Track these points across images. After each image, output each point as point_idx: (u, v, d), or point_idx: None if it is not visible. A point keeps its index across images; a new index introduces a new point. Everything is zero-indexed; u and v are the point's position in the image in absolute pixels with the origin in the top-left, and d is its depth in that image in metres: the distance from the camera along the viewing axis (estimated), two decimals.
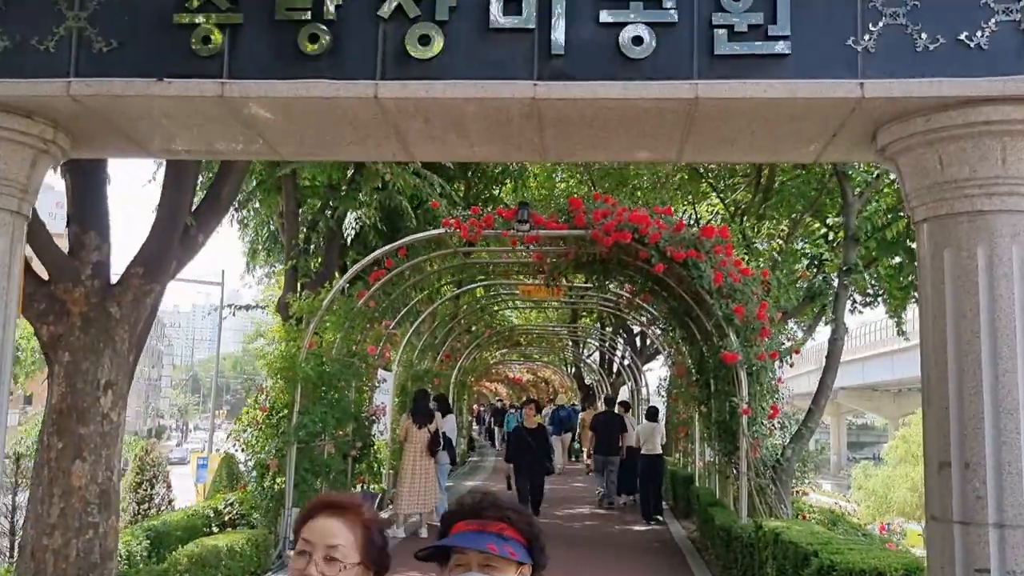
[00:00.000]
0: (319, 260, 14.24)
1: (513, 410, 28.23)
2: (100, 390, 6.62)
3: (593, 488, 18.06)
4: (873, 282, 16.20)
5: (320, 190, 13.49)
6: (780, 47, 3.47)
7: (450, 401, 22.34)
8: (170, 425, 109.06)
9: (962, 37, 3.41)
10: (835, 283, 12.70)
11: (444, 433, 12.63)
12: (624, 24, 3.50)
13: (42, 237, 6.67)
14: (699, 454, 14.73)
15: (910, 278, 15.54)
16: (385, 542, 2.17)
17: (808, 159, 4.38)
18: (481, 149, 4.29)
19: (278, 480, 10.69)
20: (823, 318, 15.69)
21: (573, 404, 31.94)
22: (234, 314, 17.71)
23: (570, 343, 32.58)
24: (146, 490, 18.52)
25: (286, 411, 10.72)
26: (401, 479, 12.04)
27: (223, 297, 35.29)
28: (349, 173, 13.30)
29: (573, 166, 20.10)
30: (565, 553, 11.46)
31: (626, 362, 27.24)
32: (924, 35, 3.42)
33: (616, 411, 18.02)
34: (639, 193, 18.22)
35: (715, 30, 3.49)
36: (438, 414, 12.81)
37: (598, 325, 28.06)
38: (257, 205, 15.88)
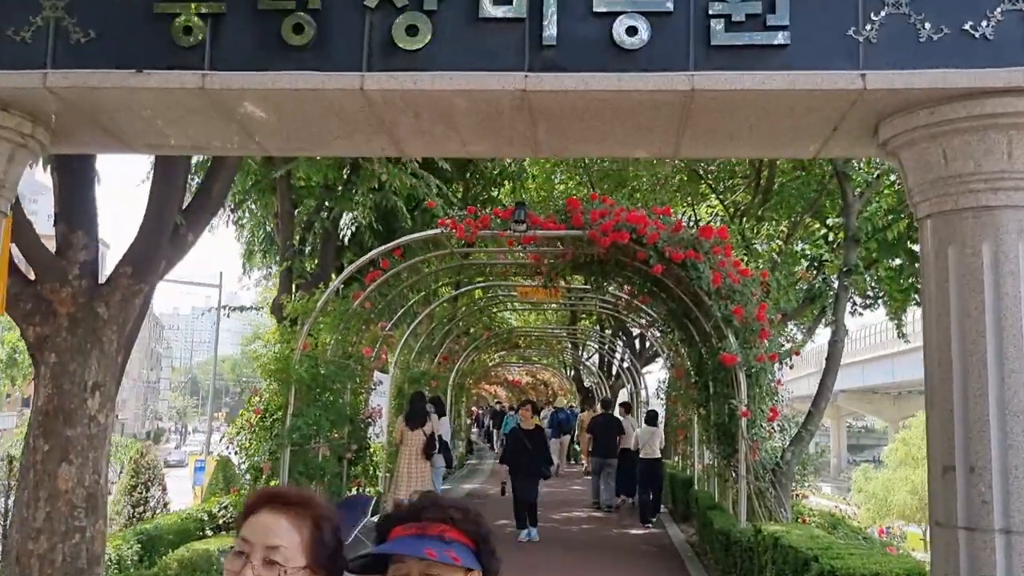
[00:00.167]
0: (315, 262, 14.14)
1: (512, 412, 28.15)
2: (87, 392, 6.50)
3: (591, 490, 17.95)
4: (873, 284, 16.11)
5: (316, 190, 13.38)
6: (779, 37, 3.36)
7: (448, 403, 22.29)
8: (169, 428, 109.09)
9: (967, 27, 3.30)
10: (835, 284, 12.60)
11: (440, 436, 12.51)
12: (618, 14, 3.39)
13: (28, 236, 6.56)
14: (698, 457, 14.63)
15: (911, 280, 15.45)
16: (339, 543, 1.93)
17: (808, 155, 4.27)
18: (473, 145, 4.18)
19: (272, 483, 10.58)
20: (823, 320, 15.60)
21: (571, 406, 31.84)
22: (228, 315, 17.60)
23: (569, 345, 32.50)
24: (141, 493, 18.39)
25: (280, 413, 10.61)
26: (396, 482, 11.93)
27: (220, 299, 35.18)
28: (345, 173, 13.20)
29: (572, 167, 20.02)
30: (562, 557, 11.37)
31: (625, 364, 27.15)
32: (928, 25, 3.31)
33: (616, 413, 17.97)
34: (638, 195, 18.12)
35: (712, 20, 3.38)
36: (434, 416, 12.70)
37: (597, 327, 27.98)
38: (253, 206, 15.81)
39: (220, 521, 11.03)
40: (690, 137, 3.86)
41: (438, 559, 1.70)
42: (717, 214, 18.40)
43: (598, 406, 21.00)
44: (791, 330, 16.11)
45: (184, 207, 7.27)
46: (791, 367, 11.56)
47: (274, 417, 10.71)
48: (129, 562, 8.45)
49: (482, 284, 16.75)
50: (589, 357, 33.90)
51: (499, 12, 3.42)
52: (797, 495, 11.93)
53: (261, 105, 3.69)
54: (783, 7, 3.35)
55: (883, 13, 3.33)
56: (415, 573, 1.73)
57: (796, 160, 14.66)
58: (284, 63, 3.49)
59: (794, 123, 3.72)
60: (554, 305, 22.42)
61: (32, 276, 6.55)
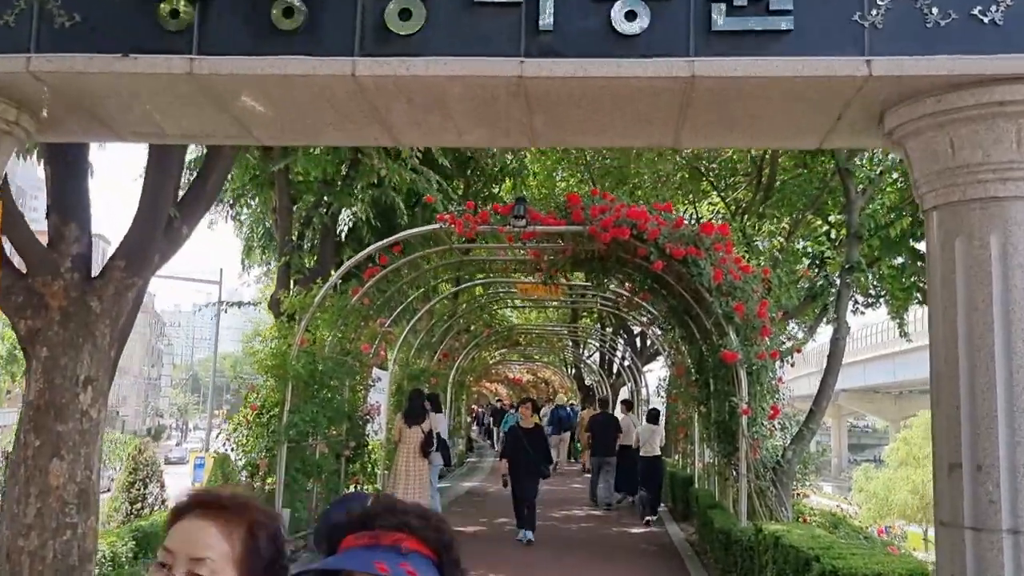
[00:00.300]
0: (314, 257, 14.06)
1: (512, 410, 28.07)
2: (79, 386, 6.42)
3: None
4: (875, 283, 16.02)
5: (314, 185, 13.28)
6: (782, 23, 3.27)
7: (448, 401, 22.22)
8: (170, 425, 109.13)
9: (975, 12, 3.20)
10: (837, 282, 12.51)
11: (438, 433, 12.40)
12: None
13: (20, 228, 6.47)
14: (698, 455, 14.54)
15: (912, 279, 15.37)
16: (279, 553, 1.71)
17: (811, 145, 4.18)
18: (468, 134, 4.09)
19: (268, 480, 10.50)
20: (824, 318, 15.52)
21: (572, 404, 31.75)
22: (226, 311, 17.52)
23: (570, 343, 32.41)
24: (139, 490, 18.33)
25: (276, 410, 10.53)
26: (394, 481, 11.83)
27: (221, 295, 35.12)
28: (344, 168, 13.11)
29: (573, 164, 19.94)
30: (561, 556, 11.28)
31: (626, 363, 27.07)
32: (935, 10, 3.21)
33: (618, 411, 17.95)
34: (639, 192, 18.04)
35: (713, 4, 3.29)
36: (434, 413, 12.61)
37: (598, 326, 27.91)
38: (252, 202, 15.73)
39: None
40: (690, 126, 3.77)
41: (391, 573, 1.48)
42: (719, 212, 18.32)
43: (597, 405, 20.95)
44: (792, 329, 16.02)
45: (179, 200, 7.18)
46: (792, 365, 11.45)
47: (271, 414, 10.62)
48: (124, 559, 8.37)
49: (482, 281, 16.64)
50: (590, 355, 33.80)
51: None
52: (798, 494, 11.84)
53: (251, 91, 3.61)
54: None
55: None
56: None
57: (798, 157, 14.60)
58: (274, 48, 3.41)
59: (797, 112, 3.63)
60: (555, 303, 22.32)
61: (24, 269, 6.47)
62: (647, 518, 14.68)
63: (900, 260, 15.23)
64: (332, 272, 12.34)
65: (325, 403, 10.96)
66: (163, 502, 17.97)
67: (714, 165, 17.96)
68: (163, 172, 6.71)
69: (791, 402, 13.17)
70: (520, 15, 3.33)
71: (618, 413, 18.27)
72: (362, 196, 12.73)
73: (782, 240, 14.95)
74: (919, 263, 15.40)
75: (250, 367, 11.17)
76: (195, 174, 8.15)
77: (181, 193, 7.55)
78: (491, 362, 34.07)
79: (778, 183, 15.48)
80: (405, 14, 3.34)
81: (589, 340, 30.95)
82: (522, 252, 12.10)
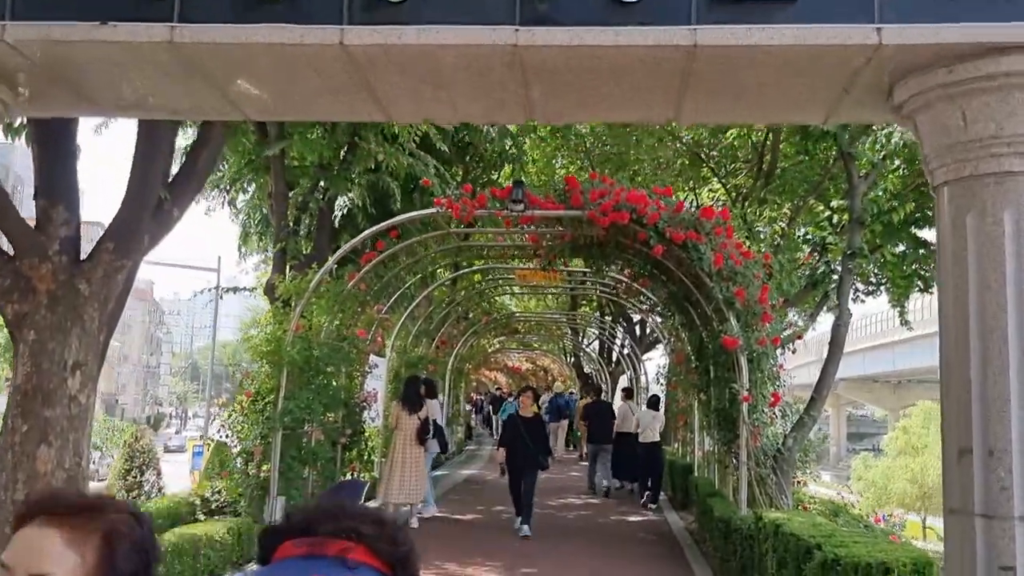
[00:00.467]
0: (310, 243, 13.92)
1: (511, 399, 27.98)
2: (67, 371, 6.31)
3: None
4: (876, 271, 15.90)
5: (310, 170, 13.14)
6: None
7: (446, 388, 22.14)
8: (169, 413, 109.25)
9: None
10: (839, 269, 12.39)
11: (435, 420, 12.29)
12: None
13: (7, 210, 6.35)
14: (698, 443, 14.47)
15: (913, 266, 15.26)
16: (145, 565, 1.46)
17: (817, 120, 4.04)
18: (463, 108, 3.95)
19: (264, 467, 10.40)
20: (825, 305, 15.40)
21: (572, 392, 31.67)
22: (222, 297, 17.39)
23: (569, 331, 32.32)
24: (135, 477, 18.25)
25: (272, 396, 10.42)
26: (390, 468, 11.73)
27: (219, 283, 34.98)
28: (341, 153, 12.97)
29: (573, 151, 19.79)
30: (559, 544, 11.18)
31: (625, 351, 26.99)
32: None
33: (617, 399, 17.94)
34: (639, 178, 17.89)
35: None
36: (430, 400, 12.49)
37: (597, 314, 27.82)
38: (249, 187, 15.59)
39: (213, 505, 10.84)
40: (692, 100, 3.63)
41: None
42: (719, 198, 18.18)
43: (592, 392, 20.93)
44: (792, 318, 15.90)
45: (169, 181, 7.05)
46: (794, 352, 11.34)
47: (266, 400, 10.51)
48: None
49: (480, 268, 16.53)
50: (589, 343, 33.72)
51: None
52: (798, 482, 11.74)
53: (235, 62, 3.47)
54: None
55: None
56: None
57: (799, 143, 14.43)
58: (258, 16, 3.26)
59: (803, 84, 3.49)
60: (553, 290, 22.23)
61: (11, 252, 6.35)
62: (649, 505, 14.69)
63: (901, 248, 15.12)
64: (328, 258, 12.21)
65: (321, 390, 10.85)
66: (160, 489, 17.90)
67: (714, 153, 17.83)
68: (152, 152, 6.59)
69: (791, 391, 13.08)
70: None
71: (618, 401, 18.26)
72: (359, 181, 12.60)
73: (783, 226, 14.81)
74: (920, 250, 15.29)
75: (247, 355, 11.03)
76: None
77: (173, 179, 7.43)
78: (490, 350, 33.99)
79: (779, 170, 15.33)
80: None
81: (588, 328, 30.87)
82: (520, 237, 11.97)
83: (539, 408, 15.99)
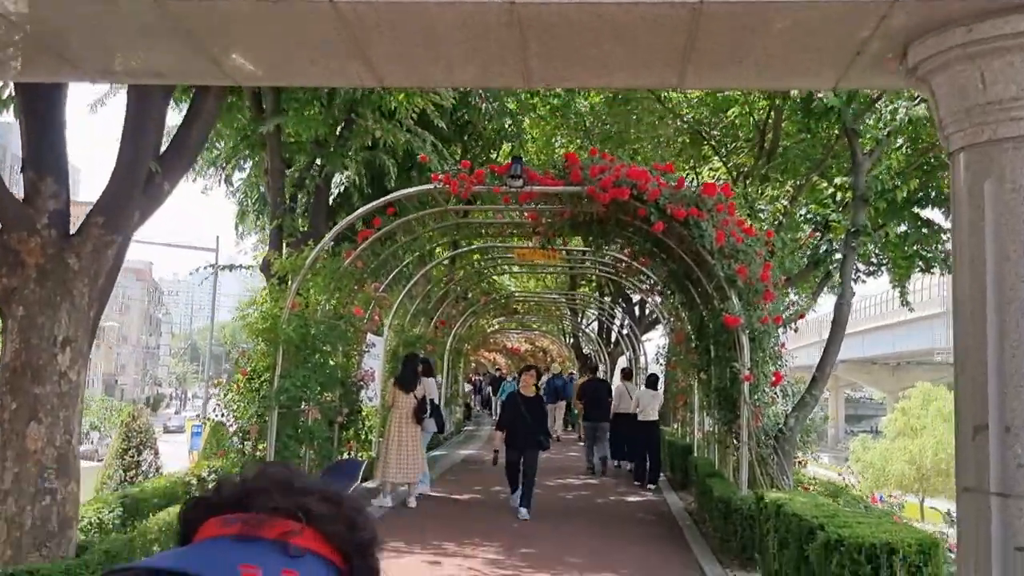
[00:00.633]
0: (307, 220, 13.77)
1: (510, 379, 27.88)
2: (57, 347, 6.18)
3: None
4: (877, 251, 15.79)
5: (307, 146, 12.97)
6: None
7: (445, 369, 22.05)
8: (169, 393, 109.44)
9: None
10: (841, 247, 12.26)
11: (432, 399, 12.18)
12: None
13: None
14: (698, 424, 14.39)
15: (915, 247, 15.15)
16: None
17: (826, 85, 3.89)
18: (458, 71, 3.80)
19: (260, 446, 10.30)
20: (826, 285, 15.30)
21: (572, 373, 31.60)
22: (217, 274, 17.24)
23: (568, 312, 32.21)
24: (132, 457, 18.19)
25: (268, 375, 10.31)
26: (387, 447, 11.63)
27: (217, 262, 34.86)
28: (338, 130, 12.80)
29: (573, 130, 19.62)
30: (558, 525, 11.11)
31: (625, 331, 26.88)
32: None
33: (616, 379, 17.88)
34: (639, 157, 17.73)
35: None
36: (429, 380, 12.38)
37: (596, 294, 27.71)
38: (246, 164, 15.44)
39: (210, 485, 10.74)
40: (696, 63, 3.48)
41: None
42: (720, 177, 18.02)
43: (588, 371, 20.88)
44: (793, 299, 15.80)
45: (160, 155, 6.90)
46: (796, 330, 11.23)
47: (262, 379, 10.40)
48: (111, 526, 8.17)
49: (479, 246, 16.40)
50: (588, 324, 33.62)
51: None
52: (799, 463, 11.66)
53: (221, 22, 3.31)
54: None
55: None
56: None
57: (801, 121, 14.25)
58: None
59: (813, 46, 3.34)
60: (552, 269, 22.12)
61: None
62: (648, 485, 14.65)
63: (903, 228, 15.01)
64: (325, 235, 12.07)
65: (317, 368, 10.74)
66: (157, 469, 17.85)
67: (715, 132, 17.66)
68: (142, 125, 6.43)
69: (791, 372, 13.00)
70: None
71: (616, 381, 18.21)
72: (356, 158, 12.44)
73: (786, 204, 14.66)
74: (923, 230, 15.17)
75: (244, 333, 10.91)
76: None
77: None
78: (489, 331, 33.91)
79: (780, 148, 15.18)
80: None
81: (587, 309, 30.76)
82: (519, 215, 11.83)
83: (539, 389, 15.88)
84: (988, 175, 3.07)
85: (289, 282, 10.60)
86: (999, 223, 3.03)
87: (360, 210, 11.01)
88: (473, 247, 16.58)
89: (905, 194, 12.31)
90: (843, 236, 11.88)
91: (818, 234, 14.35)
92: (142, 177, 6.50)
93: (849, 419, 77.61)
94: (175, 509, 8.43)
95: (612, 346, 29.48)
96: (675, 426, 18.20)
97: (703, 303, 10.90)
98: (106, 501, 8.66)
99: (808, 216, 16.22)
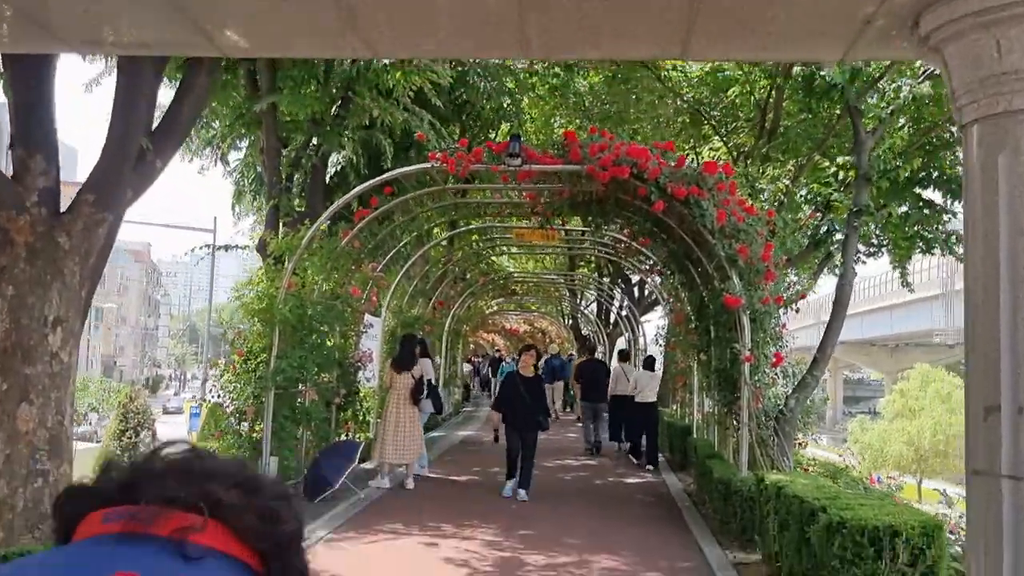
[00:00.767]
0: (305, 202, 13.66)
1: (509, 360, 27.83)
2: (48, 327, 6.10)
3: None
4: (877, 232, 15.70)
5: (303, 125, 12.83)
6: None
7: (444, 350, 21.98)
8: (168, 375, 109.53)
9: None
10: (842, 228, 12.16)
11: (429, 380, 12.10)
12: None
13: None
14: (697, 405, 14.33)
15: (916, 227, 15.06)
16: None
17: (834, 56, 3.77)
18: (455, 43, 3.69)
19: (257, 427, 10.23)
20: (826, 266, 15.21)
21: (571, 354, 31.56)
22: (213, 254, 17.13)
23: (567, 293, 32.14)
24: (130, 438, 18.20)
25: (264, 355, 10.22)
26: (385, 428, 11.56)
27: (215, 243, 34.75)
28: (335, 108, 12.66)
29: (572, 110, 19.48)
30: (556, 506, 11.06)
31: (624, 313, 26.82)
32: None
33: (615, 361, 17.85)
34: (639, 136, 17.60)
35: None
36: (425, 360, 12.29)
37: (596, 275, 27.62)
38: (242, 144, 15.31)
39: None
40: (700, 31, 3.36)
41: None
42: (720, 157, 17.90)
43: (586, 351, 20.81)
44: (793, 280, 15.73)
45: (151, 131, 6.77)
46: (797, 311, 11.13)
47: (258, 359, 10.31)
48: None
49: (477, 226, 16.29)
50: (587, 306, 33.56)
51: None
52: (799, 444, 11.60)
53: None
54: None
55: None
56: None
57: (803, 101, 14.11)
58: None
59: (820, 15, 3.23)
60: (551, 248, 22.01)
61: None
62: (648, 466, 14.62)
63: (904, 208, 14.91)
64: (322, 215, 11.96)
65: (314, 349, 10.65)
66: None
67: (715, 112, 17.52)
68: (133, 101, 6.32)
69: (790, 353, 12.94)
70: None
71: (614, 363, 18.18)
72: (353, 136, 12.31)
73: (787, 183, 14.55)
74: (924, 211, 15.06)
75: (240, 313, 10.80)
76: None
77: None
78: (487, 312, 33.84)
79: (782, 128, 15.04)
80: None
81: (586, 290, 30.68)
82: (518, 195, 11.70)
83: (537, 369, 15.79)
84: (1003, 148, 2.96)
85: (285, 262, 10.50)
86: (1013, 197, 2.93)
87: (357, 188, 10.88)
88: (471, 227, 16.46)
89: (907, 174, 12.19)
90: (845, 216, 11.77)
91: (819, 215, 14.24)
92: (133, 154, 6.39)
93: (847, 400, 77.77)
94: None
95: (611, 327, 29.42)
96: (674, 407, 18.16)
97: (703, 283, 10.81)
98: None
99: (808, 197, 16.11)
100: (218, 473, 0.85)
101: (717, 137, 17.50)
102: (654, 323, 26.44)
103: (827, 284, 12.69)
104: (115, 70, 6.84)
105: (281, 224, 12.25)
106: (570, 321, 36.37)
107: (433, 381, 12.85)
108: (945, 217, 14.78)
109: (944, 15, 3.03)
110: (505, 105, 17.20)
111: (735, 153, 16.81)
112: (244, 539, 0.81)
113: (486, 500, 11.18)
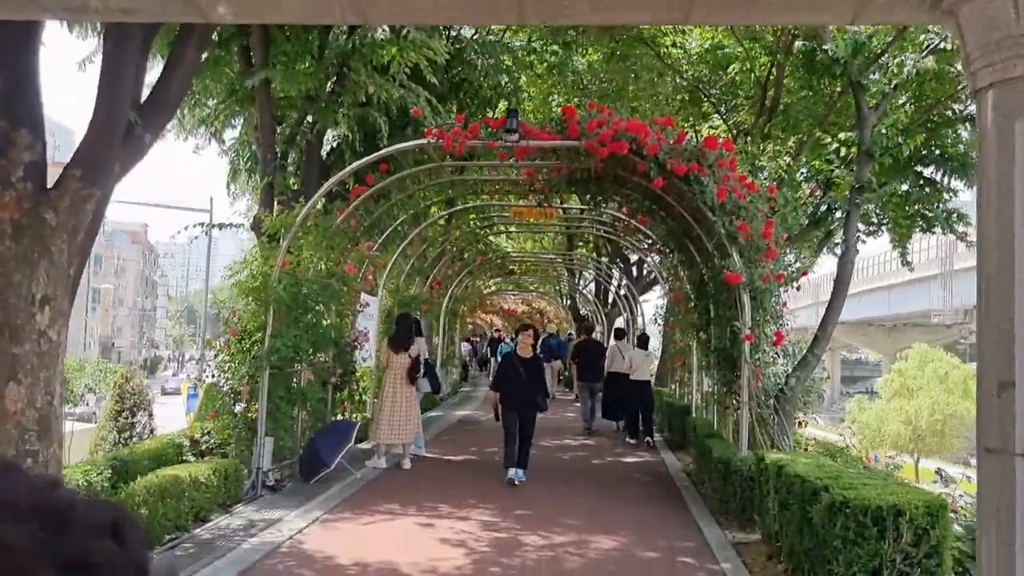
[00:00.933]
0: (299, 180, 13.49)
1: (509, 341, 27.71)
2: (35, 306, 5.96)
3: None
4: (877, 211, 15.59)
5: (298, 101, 12.65)
6: None
7: (441, 330, 21.89)
8: (166, 356, 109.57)
9: None
10: (842, 206, 12.04)
11: (427, 360, 11.99)
12: None
13: None
14: (696, 384, 14.25)
15: (916, 206, 14.96)
16: None
17: (841, 20, 3.64)
18: (447, 7, 3.54)
19: (252, 407, 10.13)
20: (826, 245, 15.10)
21: (570, 334, 31.46)
22: (207, 233, 16.98)
23: (565, 273, 32.02)
24: (127, 419, 18.08)
25: (259, 335, 10.10)
26: (381, 408, 11.47)
27: (211, 223, 34.58)
28: (329, 85, 12.47)
29: (570, 88, 19.30)
30: (554, 486, 10.99)
31: (622, 292, 26.72)
32: None
33: (612, 339, 17.83)
34: (638, 115, 17.43)
35: None
36: (420, 339, 12.18)
37: (594, 255, 27.50)
38: (237, 122, 15.13)
39: (203, 447, 10.62)
40: None
41: None
42: (720, 135, 17.75)
43: (583, 331, 20.74)
44: (791, 258, 15.63)
45: (139, 104, 6.62)
46: (798, 289, 11.03)
47: (253, 339, 10.20)
48: (99, 488, 8.01)
49: (475, 204, 16.15)
50: (586, 285, 33.44)
51: None
52: (800, 423, 11.52)
53: None
54: None
55: None
56: None
57: (804, 78, 13.95)
58: None
59: None
60: (549, 227, 21.88)
61: None
62: (646, 439, 14.72)
63: (905, 187, 14.80)
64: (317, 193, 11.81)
65: (310, 328, 10.53)
66: (152, 431, 17.74)
67: (715, 90, 17.36)
68: (120, 71, 6.14)
69: (790, 332, 12.86)
70: None
71: (611, 341, 18.18)
72: (348, 113, 12.13)
73: (788, 160, 14.40)
74: (925, 189, 14.94)
75: (234, 291, 10.65)
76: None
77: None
78: (485, 292, 33.72)
79: (782, 105, 14.90)
80: None
81: (585, 270, 30.57)
82: (516, 172, 11.55)
83: (535, 349, 15.66)
84: (1020, 113, 2.84)
85: (280, 240, 10.36)
86: None
87: (352, 165, 10.72)
88: (469, 206, 16.32)
89: (909, 151, 12.05)
90: (846, 193, 11.64)
91: (819, 192, 14.11)
92: (121, 128, 6.23)
93: (845, 380, 77.90)
94: (163, 472, 8.27)
95: (609, 307, 29.33)
96: (672, 387, 18.10)
97: (703, 261, 10.69)
98: (96, 463, 8.50)
99: (808, 175, 16.00)
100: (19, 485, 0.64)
101: (717, 115, 17.35)
102: (652, 302, 26.38)
103: (826, 264, 12.63)
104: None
105: (276, 202, 12.09)
106: (568, 301, 36.27)
107: (430, 360, 12.75)
108: (946, 196, 14.67)
109: None
110: (503, 83, 17.02)
111: (735, 131, 16.67)
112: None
113: (483, 480, 11.11)
